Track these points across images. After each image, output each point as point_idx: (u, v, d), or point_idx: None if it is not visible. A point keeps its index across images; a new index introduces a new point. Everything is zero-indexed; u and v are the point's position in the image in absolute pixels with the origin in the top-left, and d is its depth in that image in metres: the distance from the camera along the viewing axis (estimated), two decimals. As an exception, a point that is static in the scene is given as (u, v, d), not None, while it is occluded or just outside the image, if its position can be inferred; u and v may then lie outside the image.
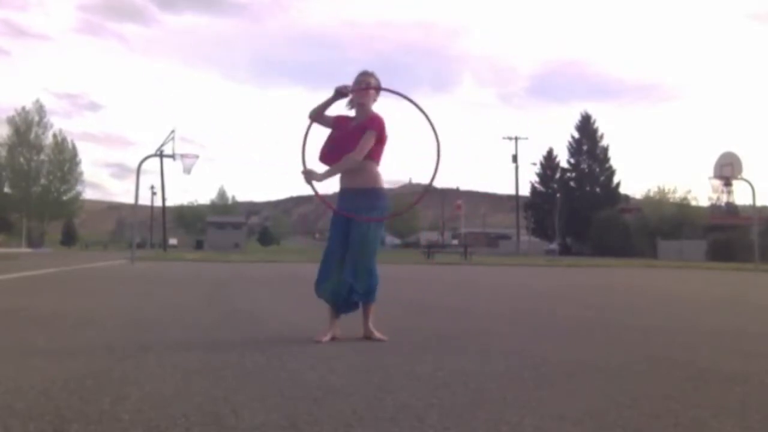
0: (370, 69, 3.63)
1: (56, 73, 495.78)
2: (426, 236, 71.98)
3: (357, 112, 3.57)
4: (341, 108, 3.59)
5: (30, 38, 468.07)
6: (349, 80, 3.57)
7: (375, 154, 3.51)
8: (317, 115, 3.55)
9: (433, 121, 3.50)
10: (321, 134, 3.61)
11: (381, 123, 3.48)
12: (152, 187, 66.25)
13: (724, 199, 50.30)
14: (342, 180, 3.54)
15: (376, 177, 3.53)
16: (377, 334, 3.49)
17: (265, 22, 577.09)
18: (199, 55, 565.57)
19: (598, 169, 54.30)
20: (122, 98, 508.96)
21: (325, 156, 3.52)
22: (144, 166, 17.82)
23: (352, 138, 3.45)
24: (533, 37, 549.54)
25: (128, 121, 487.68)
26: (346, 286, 3.38)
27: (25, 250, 41.49)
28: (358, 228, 3.42)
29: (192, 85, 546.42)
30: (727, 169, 20.36)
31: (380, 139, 3.49)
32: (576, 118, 56.50)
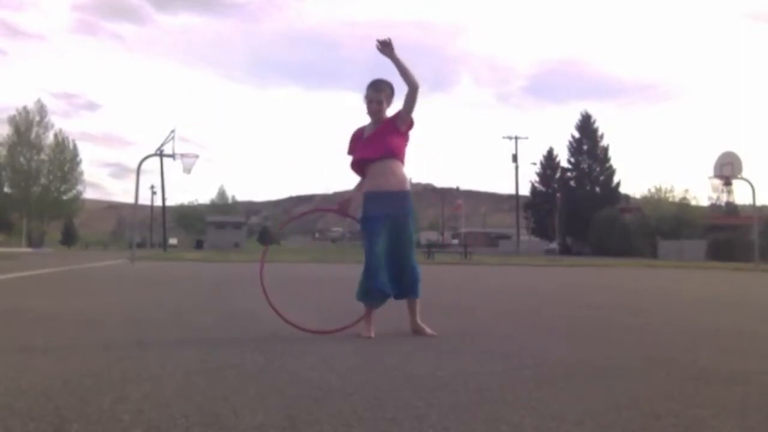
0: (377, 76, 3.68)
1: (53, 73, 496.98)
2: (426, 236, 71.98)
3: (373, 121, 3.65)
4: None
5: (26, 38, 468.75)
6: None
7: (402, 153, 3.61)
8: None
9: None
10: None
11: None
12: (152, 187, 66.40)
13: (724, 198, 50.43)
14: (371, 183, 3.58)
15: (404, 179, 3.60)
16: (428, 330, 3.56)
17: (263, 22, 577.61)
18: (197, 54, 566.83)
19: (598, 169, 54.20)
20: (120, 98, 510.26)
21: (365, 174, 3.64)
22: (144, 165, 17.83)
23: (373, 140, 3.56)
24: (532, 37, 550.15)
25: (127, 120, 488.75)
26: (393, 282, 3.51)
27: (25, 249, 41.51)
28: (404, 227, 3.52)
29: (190, 84, 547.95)
30: (727, 169, 20.31)
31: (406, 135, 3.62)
32: (576, 118, 56.47)
